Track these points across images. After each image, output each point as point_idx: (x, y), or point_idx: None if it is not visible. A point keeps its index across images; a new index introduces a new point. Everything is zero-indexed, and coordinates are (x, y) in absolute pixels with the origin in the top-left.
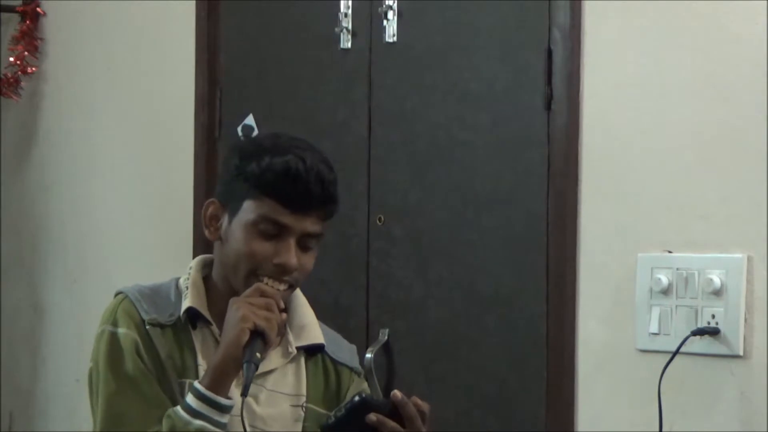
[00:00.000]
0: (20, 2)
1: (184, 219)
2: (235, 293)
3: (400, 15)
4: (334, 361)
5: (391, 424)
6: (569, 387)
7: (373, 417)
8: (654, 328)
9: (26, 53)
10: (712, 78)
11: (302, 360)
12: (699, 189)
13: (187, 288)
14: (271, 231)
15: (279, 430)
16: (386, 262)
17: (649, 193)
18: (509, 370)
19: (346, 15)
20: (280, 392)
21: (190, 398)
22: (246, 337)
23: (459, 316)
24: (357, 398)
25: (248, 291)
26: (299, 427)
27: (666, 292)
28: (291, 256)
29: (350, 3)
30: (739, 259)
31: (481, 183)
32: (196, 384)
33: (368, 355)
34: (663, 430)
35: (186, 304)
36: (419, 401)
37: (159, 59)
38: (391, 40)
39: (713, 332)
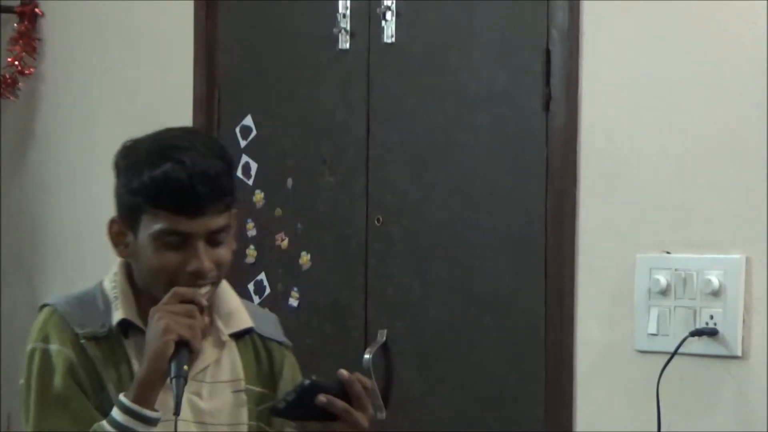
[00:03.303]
0: (18, 3)
1: None
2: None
3: (398, 15)
4: (262, 338)
5: (340, 403)
6: (568, 387)
7: (322, 398)
8: (652, 329)
9: (24, 54)
10: (711, 78)
11: (233, 344)
12: (697, 190)
13: (116, 297)
14: (175, 241)
15: (226, 421)
16: (385, 263)
17: (647, 194)
18: (508, 370)
19: (344, 15)
20: (220, 381)
21: (115, 412)
22: (171, 349)
23: (458, 316)
24: (307, 381)
25: (166, 297)
26: (244, 411)
27: (664, 292)
28: (202, 261)
29: (348, 3)
30: (737, 259)
31: (480, 183)
32: (122, 397)
33: (366, 356)
34: (661, 430)
35: (118, 315)
36: (362, 377)
37: (157, 60)
38: (389, 41)
39: (712, 333)
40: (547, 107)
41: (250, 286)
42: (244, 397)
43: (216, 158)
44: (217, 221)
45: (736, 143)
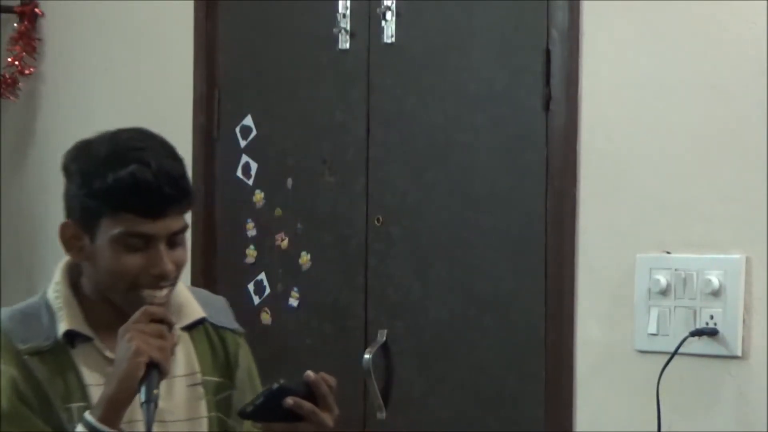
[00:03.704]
0: (18, 3)
1: None
2: (113, 305)
3: (398, 15)
4: (215, 327)
5: (307, 405)
6: (568, 387)
7: (290, 401)
8: (652, 329)
9: (24, 54)
10: (711, 78)
11: (186, 336)
12: (697, 190)
13: (60, 308)
14: (137, 244)
15: (184, 416)
16: (385, 263)
17: (647, 194)
18: (508, 370)
19: (344, 16)
20: (176, 376)
21: (80, 429)
22: (142, 371)
23: (458, 316)
24: (275, 386)
25: (137, 316)
26: (202, 404)
27: (664, 292)
28: (165, 262)
29: (348, 4)
30: (737, 259)
31: (480, 184)
32: (88, 416)
33: (366, 356)
34: (661, 430)
35: (63, 327)
36: (327, 377)
37: (157, 60)
38: (389, 41)
39: (712, 333)
40: (547, 107)
41: (250, 286)
42: (201, 390)
43: (174, 159)
44: (179, 222)
45: (736, 143)
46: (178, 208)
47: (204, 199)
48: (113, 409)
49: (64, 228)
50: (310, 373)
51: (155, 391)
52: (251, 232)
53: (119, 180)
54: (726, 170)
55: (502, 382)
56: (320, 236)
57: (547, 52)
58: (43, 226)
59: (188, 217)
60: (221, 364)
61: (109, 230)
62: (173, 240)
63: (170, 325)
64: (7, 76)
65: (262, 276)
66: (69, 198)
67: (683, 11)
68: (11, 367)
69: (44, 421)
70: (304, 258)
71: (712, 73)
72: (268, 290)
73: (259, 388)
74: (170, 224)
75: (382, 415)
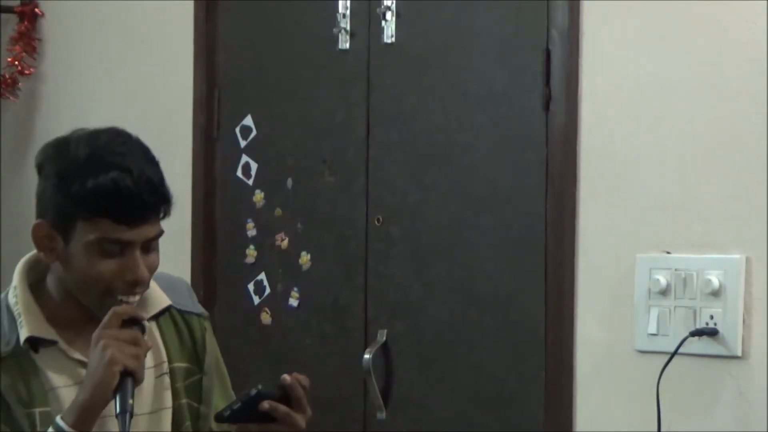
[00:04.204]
0: (18, 3)
1: (181, 220)
2: (79, 304)
3: (398, 16)
4: (181, 312)
5: (282, 408)
6: (568, 387)
7: (266, 404)
8: (652, 329)
9: (24, 54)
10: (711, 78)
11: (153, 325)
12: (697, 190)
13: (19, 314)
14: (114, 249)
15: (148, 408)
16: (385, 263)
17: (647, 194)
18: (508, 370)
19: (344, 16)
20: (145, 368)
21: None
22: (116, 380)
23: (458, 316)
24: (254, 391)
25: (108, 320)
26: (167, 395)
27: (664, 292)
28: (141, 269)
29: (348, 4)
30: (737, 259)
31: (480, 184)
32: (59, 421)
33: (366, 356)
34: (661, 430)
35: (24, 333)
36: (302, 378)
37: (157, 60)
38: (389, 41)
39: (712, 333)
40: (547, 107)
41: (250, 286)
42: (167, 380)
43: (153, 164)
44: (156, 229)
45: (736, 143)
46: (156, 215)
47: (204, 199)
48: (86, 414)
49: (37, 228)
50: (286, 376)
51: (130, 401)
52: (251, 232)
53: (99, 186)
54: (726, 170)
55: (502, 382)
56: (320, 236)
57: (547, 52)
58: None
59: (165, 223)
60: (189, 349)
61: (85, 234)
62: (147, 245)
63: (141, 323)
64: (7, 76)
65: (262, 276)
66: (43, 198)
67: (683, 11)
68: None
69: (8, 428)
70: (304, 258)
71: (712, 73)
72: (268, 290)
73: (224, 372)
74: (147, 231)
75: (382, 415)
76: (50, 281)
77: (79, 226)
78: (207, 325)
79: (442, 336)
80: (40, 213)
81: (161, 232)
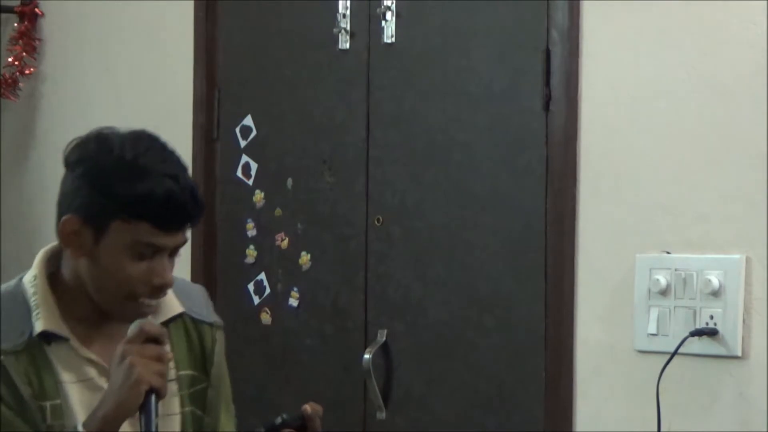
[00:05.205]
0: (18, 3)
1: None
2: (92, 300)
3: (398, 16)
4: (194, 320)
5: None
6: (568, 387)
7: None
8: (652, 329)
9: (24, 54)
10: (711, 78)
11: (164, 331)
12: (697, 190)
13: (36, 305)
14: (146, 253)
15: (161, 414)
16: (385, 263)
17: (647, 194)
18: (508, 370)
19: (344, 16)
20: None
21: None
22: (141, 399)
23: (457, 316)
24: (279, 420)
25: (133, 335)
26: (176, 401)
27: (664, 292)
28: (168, 274)
29: (348, 4)
30: (737, 260)
31: (480, 184)
32: (80, 429)
33: (366, 356)
34: (661, 430)
35: (39, 326)
36: (316, 406)
37: (157, 60)
38: (389, 41)
39: (711, 333)
40: (547, 107)
41: (250, 286)
42: (175, 386)
43: (187, 171)
44: (187, 235)
45: (736, 143)
46: (193, 223)
47: (204, 199)
48: (106, 427)
49: (67, 222)
50: (306, 407)
51: (155, 420)
52: (251, 232)
53: (152, 191)
54: (726, 170)
55: (501, 382)
56: (320, 236)
57: (547, 52)
58: (43, 226)
59: None
60: (196, 358)
61: (119, 235)
62: (175, 251)
63: (164, 343)
64: (7, 76)
65: (262, 276)
66: (75, 194)
67: (683, 11)
68: None
69: (23, 421)
70: (304, 258)
71: (712, 74)
72: (268, 290)
73: (228, 385)
74: (181, 238)
75: (382, 415)
76: (67, 273)
77: (114, 226)
78: (219, 335)
79: (442, 336)
80: (69, 208)
81: (187, 240)
